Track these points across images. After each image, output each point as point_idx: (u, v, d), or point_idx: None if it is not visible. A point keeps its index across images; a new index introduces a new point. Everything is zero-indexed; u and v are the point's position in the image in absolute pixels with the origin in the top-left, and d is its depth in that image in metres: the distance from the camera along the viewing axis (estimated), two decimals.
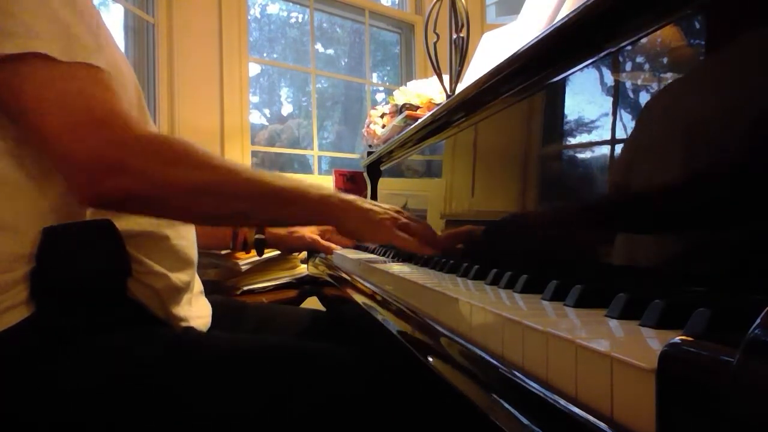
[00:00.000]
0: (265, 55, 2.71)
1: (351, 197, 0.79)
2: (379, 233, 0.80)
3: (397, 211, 0.84)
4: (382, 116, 1.80)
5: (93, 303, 0.65)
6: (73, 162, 0.59)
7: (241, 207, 0.69)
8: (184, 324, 0.75)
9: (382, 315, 0.68)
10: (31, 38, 0.57)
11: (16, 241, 0.60)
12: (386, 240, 0.81)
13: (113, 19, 2.00)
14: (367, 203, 0.81)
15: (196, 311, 0.80)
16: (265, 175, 0.71)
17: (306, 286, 1.57)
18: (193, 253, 0.80)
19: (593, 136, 0.54)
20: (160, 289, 0.71)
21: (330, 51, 3.11)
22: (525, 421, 0.32)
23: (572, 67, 0.57)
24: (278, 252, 1.46)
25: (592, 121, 0.54)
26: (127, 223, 0.68)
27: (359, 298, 0.81)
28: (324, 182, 2.30)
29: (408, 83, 1.76)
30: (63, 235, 0.62)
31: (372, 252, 1.24)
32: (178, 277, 0.74)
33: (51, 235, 0.61)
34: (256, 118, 2.67)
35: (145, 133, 0.62)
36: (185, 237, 0.78)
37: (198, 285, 0.85)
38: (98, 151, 0.59)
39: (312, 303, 1.56)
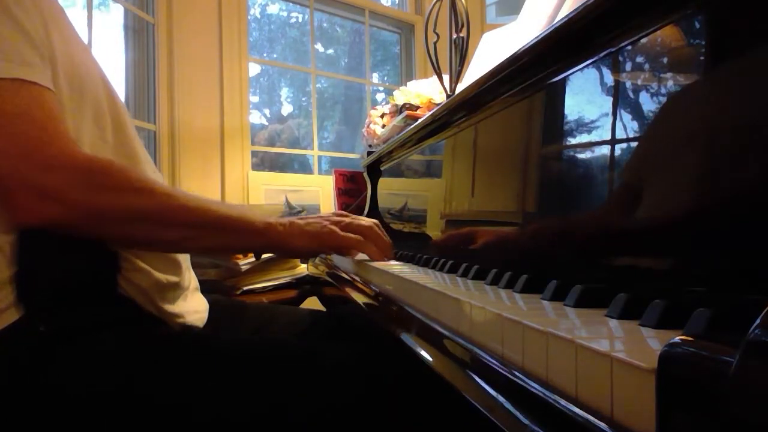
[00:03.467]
0: (265, 55, 2.71)
1: (290, 219, 0.80)
2: (328, 241, 0.81)
3: (339, 214, 0.86)
4: (382, 116, 1.79)
5: (84, 301, 0.64)
6: (2, 185, 0.57)
7: (180, 234, 0.69)
8: (179, 320, 0.75)
9: (382, 315, 0.68)
10: None
11: None
12: (336, 244, 0.82)
13: (113, 19, 2.00)
14: (304, 219, 0.82)
15: (191, 307, 0.79)
16: (207, 203, 0.71)
17: (306, 286, 1.57)
18: (180, 255, 0.80)
19: (593, 136, 0.54)
20: (147, 287, 0.70)
21: (330, 51, 3.11)
22: (525, 420, 0.32)
23: (572, 67, 0.57)
24: None
25: (592, 121, 0.54)
26: None
27: (359, 298, 0.81)
28: (324, 182, 2.30)
29: (408, 83, 1.75)
30: (44, 234, 0.61)
31: None
32: (166, 277, 0.73)
33: (31, 236, 0.60)
34: (256, 118, 2.67)
35: (81, 157, 0.61)
36: None
37: (193, 282, 0.84)
38: (28, 177, 0.57)
39: (312, 303, 1.56)
